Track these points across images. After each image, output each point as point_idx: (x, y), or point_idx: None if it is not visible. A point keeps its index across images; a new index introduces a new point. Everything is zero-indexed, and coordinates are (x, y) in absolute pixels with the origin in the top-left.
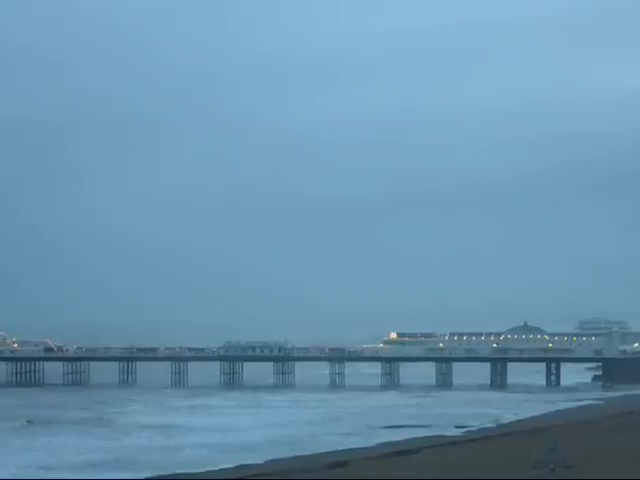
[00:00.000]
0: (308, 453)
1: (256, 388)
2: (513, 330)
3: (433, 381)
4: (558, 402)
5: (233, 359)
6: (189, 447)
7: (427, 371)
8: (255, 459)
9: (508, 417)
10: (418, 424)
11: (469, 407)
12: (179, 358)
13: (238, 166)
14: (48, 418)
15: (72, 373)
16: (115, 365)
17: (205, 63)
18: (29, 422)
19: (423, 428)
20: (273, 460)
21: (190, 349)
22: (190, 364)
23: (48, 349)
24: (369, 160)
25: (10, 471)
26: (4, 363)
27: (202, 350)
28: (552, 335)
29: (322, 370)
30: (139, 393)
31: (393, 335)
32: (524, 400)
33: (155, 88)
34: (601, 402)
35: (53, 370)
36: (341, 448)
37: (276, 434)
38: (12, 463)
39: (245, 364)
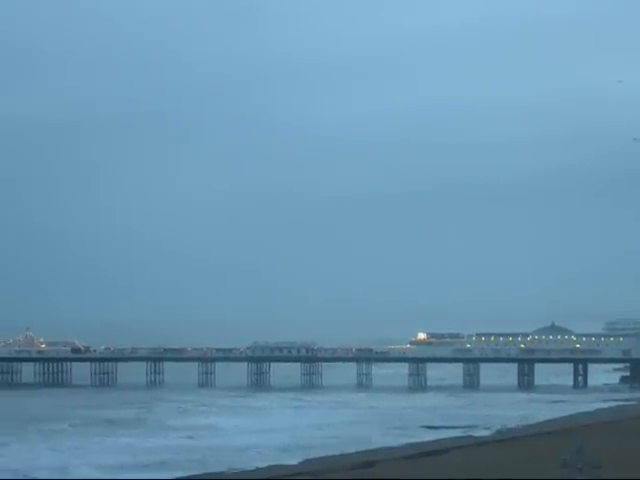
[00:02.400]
0: (338, 453)
1: (284, 389)
2: (541, 331)
3: (460, 382)
4: (586, 403)
5: (260, 360)
6: (222, 447)
7: (454, 371)
8: (289, 459)
9: (536, 418)
10: (451, 425)
11: (498, 408)
12: (206, 359)
13: (262, 165)
14: (85, 419)
15: (100, 374)
16: (142, 366)
17: (225, 63)
18: (72, 425)
19: (457, 429)
20: (306, 460)
21: (217, 350)
22: (217, 365)
23: (76, 350)
24: (392, 158)
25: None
26: (32, 364)
27: (229, 351)
28: (580, 336)
29: (349, 370)
30: (169, 394)
31: (420, 336)
32: (552, 401)
33: (175, 89)
34: (633, 403)
35: (80, 371)
36: (372, 448)
37: (309, 435)
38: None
39: (272, 365)
